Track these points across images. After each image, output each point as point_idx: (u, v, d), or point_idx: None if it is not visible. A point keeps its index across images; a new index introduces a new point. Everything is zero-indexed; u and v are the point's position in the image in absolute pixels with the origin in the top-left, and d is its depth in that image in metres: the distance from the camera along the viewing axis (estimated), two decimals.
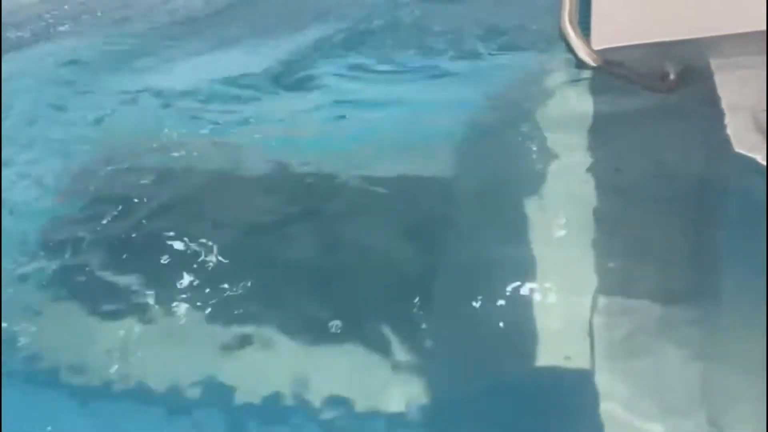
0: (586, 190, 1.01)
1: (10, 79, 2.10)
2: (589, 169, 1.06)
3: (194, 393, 1.03)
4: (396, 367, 0.96)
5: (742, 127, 1.02)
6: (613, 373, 0.87)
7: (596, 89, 1.22)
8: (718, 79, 1.10)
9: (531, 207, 0.99)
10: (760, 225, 0.91)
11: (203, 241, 1.20)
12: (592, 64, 1.21)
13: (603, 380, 0.88)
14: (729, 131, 1.04)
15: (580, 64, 1.22)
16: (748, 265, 0.90)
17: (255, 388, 0.98)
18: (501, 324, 0.93)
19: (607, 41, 1.20)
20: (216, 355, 1.03)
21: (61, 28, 2.48)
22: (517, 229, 0.98)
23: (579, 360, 0.90)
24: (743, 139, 1.03)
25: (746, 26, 1.08)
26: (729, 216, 0.98)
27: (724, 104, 1.10)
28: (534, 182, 1.04)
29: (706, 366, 0.88)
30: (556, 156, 1.11)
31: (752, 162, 1.00)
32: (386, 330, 0.98)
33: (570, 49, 1.19)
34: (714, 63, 1.10)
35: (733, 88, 1.08)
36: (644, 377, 0.90)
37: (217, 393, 1.01)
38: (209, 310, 1.07)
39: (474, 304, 0.94)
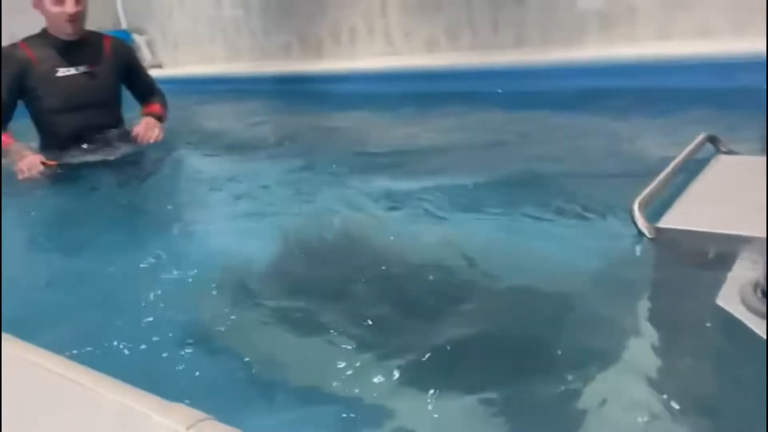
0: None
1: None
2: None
3: None
4: None
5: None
6: None
7: (648, 261, 1.44)
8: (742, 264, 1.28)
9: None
10: None
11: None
12: (649, 236, 1.46)
13: None
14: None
15: (640, 236, 1.46)
16: None
17: None
18: None
19: (672, 223, 1.47)
20: None
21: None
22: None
23: None
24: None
25: None
26: None
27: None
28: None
29: None
30: (610, 319, 1.23)
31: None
32: None
33: (633, 221, 1.45)
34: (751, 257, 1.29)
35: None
36: None
37: None
38: None
39: None
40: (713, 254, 1.39)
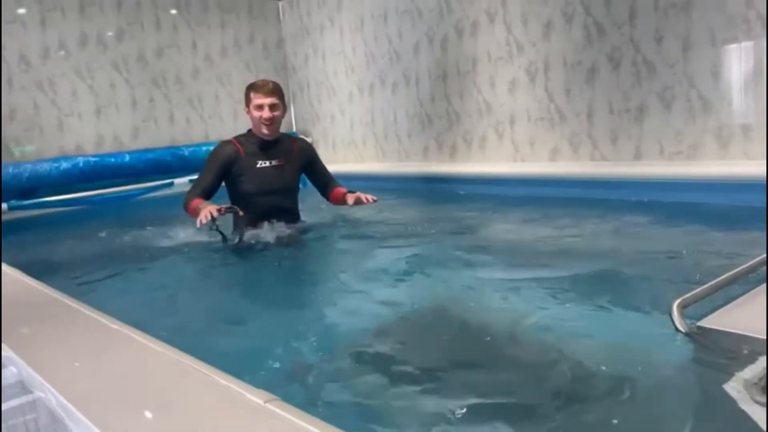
0: None
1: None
2: None
3: None
4: None
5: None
6: None
7: (682, 355, 1.59)
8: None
9: None
10: None
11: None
12: (683, 331, 1.65)
13: None
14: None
15: (676, 331, 1.61)
16: None
17: None
18: None
19: (710, 323, 1.58)
20: None
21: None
22: None
23: None
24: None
25: None
26: None
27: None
28: None
29: None
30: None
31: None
32: None
33: (672, 321, 1.59)
34: None
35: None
36: None
37: None
38: None
39: None
40: (749, 355, 1.53)
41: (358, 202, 3.20)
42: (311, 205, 3.71)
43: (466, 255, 2.69)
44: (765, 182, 2.81)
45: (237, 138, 3.26)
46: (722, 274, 1.88)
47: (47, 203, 4.97)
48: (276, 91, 3.16)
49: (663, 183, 3.49)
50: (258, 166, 3.17)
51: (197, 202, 3.00)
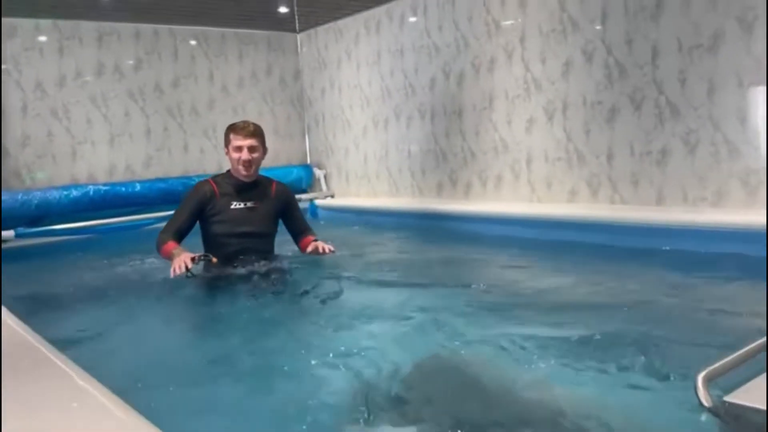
0: None
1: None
2: None
3: None
4: None
5: None
6: None
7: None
8: None
9: None
10: None
11: None
12: (708, 407, 1.55)
13: None
14: None
15: (700, 405, 1.53)
16: None
17: None
18: None
19: (739, 397, 1.49)
20: None
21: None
22: None
23: None
24: None
25: None
26: None
27: None
28: None
29: None
30: None
31: None
32: None
33: (696, 395, 1.50)
34: None
35: None
36: None
37: None
38: None
39: None
40: None
41: (314, 251, 3.13)
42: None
43: (474, 302, 2.55)
44: None
45: (214, 178, 3.22)
46: (755, 339, 1.72)
47: (55, 231, 4.91)
48: (256, 133, 3.12)
49: (686, 230, 3.31)
50: (232, 207, 3.11)
51: (171, 245, 2.95)
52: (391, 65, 5.53)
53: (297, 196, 6.02)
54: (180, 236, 3.05)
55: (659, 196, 3.75)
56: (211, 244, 3.09)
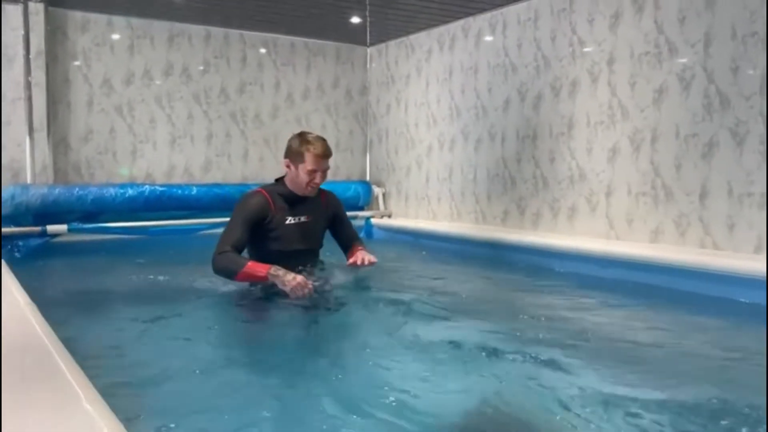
0: None
1: None
2: None
3: None
4: None
5: None
6: None
7: None
8: None
9: None
10: None
11: None
12: None
13: None
14: None
15: None
16: None
17: None
18: None
19: None
20: None
21: None
22: None
23: None
24: None
25: None
26: None
27: None
28: None
29: None
30: None
31: None
32: None
33: None
34: None
35: None
36: None
37: None
38: None
39: None
40: None
41: (354, 264, 2.90)
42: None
43: (535, 346, 2.20)
44: None
45: (266, 189, 2.94)
46: None
47: (107, 229, 4.83)
48: (330, 153, 2.91)
49: None
50: (287, 222, 2.88)
51: (257, 264, 2.68)
52: (463, 83, 5.27)
53: (353, 213, 5.86)
54: (241, 252, 2.79)
55: (759, 243, 3.32)
56: (263, 260, 2.78)
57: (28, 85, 4.85)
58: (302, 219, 2.92)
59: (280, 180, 3.00)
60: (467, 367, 2.04)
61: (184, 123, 5.58)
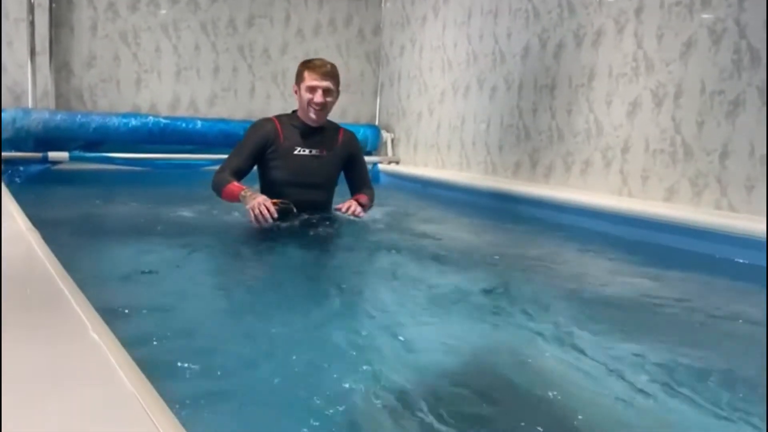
0: None
1: None
2: None
3: None
4: None
5: None
6: None
7: None
8: None
9: None
10: None
11: None
12: None
13: None
14: None
15: None
16: None
17: None
18: None
19: None
20: None
21: None
22: None
23: None
24: None
25: None
26: None
27: None
28: None
29: None
30: None
31: None
32: None
33: None
34: None
35: None
36: None
37: None
38: None
39: None
40: None
41: (338, 210, 2.89)
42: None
43: (537, 304, 2.13)
44: None
45: (279, 117, 2.91)
46: None
47: (110, 159, 4.73)
48: (334, 74, 2.82)
49: None
50: (295, 152, 2.82)
51: (236, 186, 2.69)
52: (481, 28, 5.07)
53: None
54: (239, 176, 2.78)
55: None
56: (268, 191, 2.80)
57: (31, 6, 4.66)
58: (314, 152, 2.87)
59: (296, 111, 2.94)
60: (471, 313, 2.00)
61: (190, 54, 5.41)
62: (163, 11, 5.23)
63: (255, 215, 2.52)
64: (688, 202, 3.63)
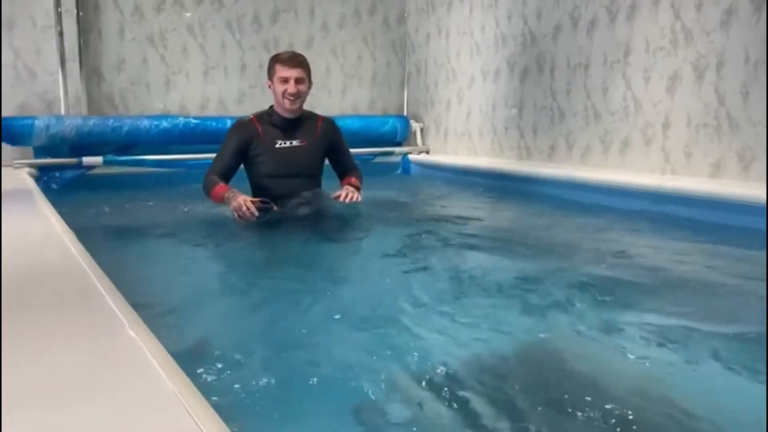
0: None
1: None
2: None
3: None
4: None
5: None
6: None
7: None
8: None
9: None
10: None
11: None
12: None
13: None
14: None
15: None
16: None
17: None
18: None
19: None
20: None
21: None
22: None
23: None
24: None
25: None
26: None
27: None
28: None
29: None
30: None
31: None
32: None
33: None
34: None
35: None
36: None
37: None
38: None
39: None
40: None
41: (336, 199, 2.94)
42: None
43: (576, 288, 2.04)
44: None
45: (257, 115, 3.01)
46: None
47: (143, 162, 4.77)
48: (303, 63, 2.94)
49: None
50: (277, 146, 2.91)
51: (221, 188, 2.79)
52: (510, 9, 4.96)
53: (389, 149, 5.69)
54: (226, 177, 2.89)
55: None
56: (257, 186, 2.93)
57: (59, 14, 4.70)
58: (294, 143, 2.95)
59: (272, 106, 3.03)
60: (507, 302, 1.92)
61: (217, 53, 5.41)
62: (188, 11, 5.24)
63: (239, 215, 2.65)
64: (736, 177, 3.48)
